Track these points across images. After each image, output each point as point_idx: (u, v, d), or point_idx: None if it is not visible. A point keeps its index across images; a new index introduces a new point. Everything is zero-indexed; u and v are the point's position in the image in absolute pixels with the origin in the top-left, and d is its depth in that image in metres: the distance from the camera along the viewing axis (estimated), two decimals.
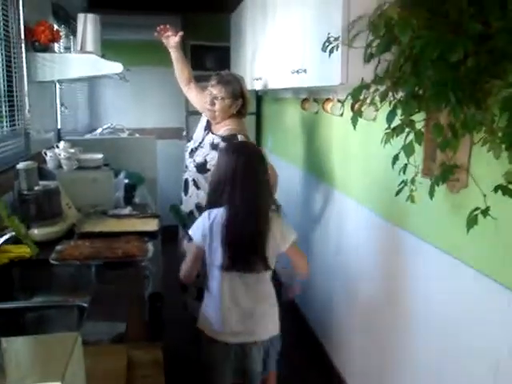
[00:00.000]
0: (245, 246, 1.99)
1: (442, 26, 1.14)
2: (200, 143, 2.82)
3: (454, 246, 1.72)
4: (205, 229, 2.03)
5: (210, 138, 2.78)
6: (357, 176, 2.60)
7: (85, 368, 1.04)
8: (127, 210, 2.75)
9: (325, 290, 3.09)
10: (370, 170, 2.42)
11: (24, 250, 2.11)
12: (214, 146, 2.73)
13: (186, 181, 2.86)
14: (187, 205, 2.84)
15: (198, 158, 2.76)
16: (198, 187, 2.78)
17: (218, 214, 2.01)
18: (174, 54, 3.02)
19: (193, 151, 2.84)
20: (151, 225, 2.52)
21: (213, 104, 2.73)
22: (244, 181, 1.98)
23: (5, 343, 0.95)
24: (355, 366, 2.67)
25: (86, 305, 1.72)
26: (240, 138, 2.69)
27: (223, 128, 2.77)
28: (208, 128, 2.85)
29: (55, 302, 1.77)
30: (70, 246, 2.16)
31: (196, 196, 2.79)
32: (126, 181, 3.27)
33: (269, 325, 2.13)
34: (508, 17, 1.06)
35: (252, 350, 2.10)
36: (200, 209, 2.70)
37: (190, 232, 2.10)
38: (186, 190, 2.87)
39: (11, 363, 0.90)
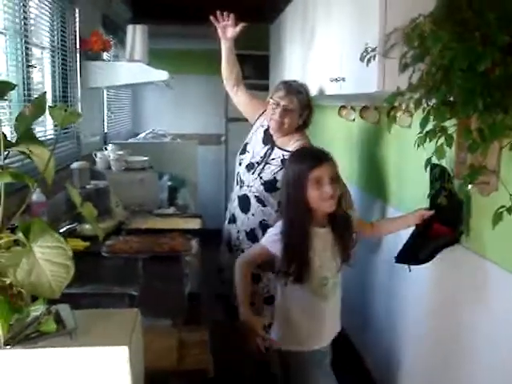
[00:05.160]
0: None
1: (472, 38, 1.25)
2: (263, 158, 2.64)
3: (482, 246, 1.81)
4: None
5: (278, 153, 2.60)
6: (391, 180, 2.69)
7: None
8: (171, 210, 2.91)
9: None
10: (404, 175, 2.50)
11: (78, 244, 2.28)
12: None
13: (245, 197, 2.66)
14: (247, 223, 2.66)
15: (266, 175, 2.58)
16: (263, 204, 2.61)
17: None
18: (227, 46, 2.77)
19: (253, 166, 2.65)
20: (194, 223, 2.67)
21: (283, 116, 2.56)
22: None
23: (77, 314, 1.09)
24: None
25: (135, 293, 1.87)
26: None
27: (293, 142, 2.61)
28: (269, 141, 2.66)
29: (107, 289, 1.92)
30: (120, 241, 2.32)
31: (261, 213, 2.62)
32: (170, 183, 3.44)
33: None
34: None
35: None
36: (265, 226, 2.55)
37: None
38: (245, 208, 2.67)
39: (83, 330, 1.04)
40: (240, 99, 2.86)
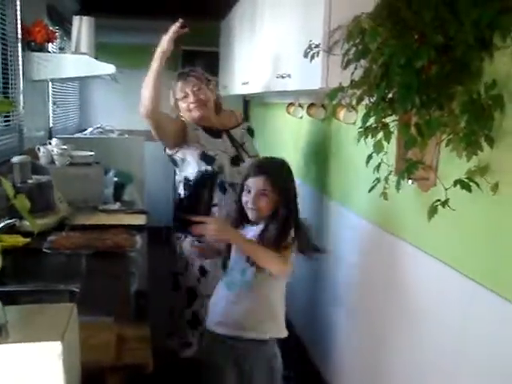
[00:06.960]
0: None
1: (409, 36, 1.28)
2: (233, 143, 2.69)
3: (419, 239, 1.86)
4: None
5: (237, 132, 2.74)
6: (336, 176, 2.74)
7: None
8: (116, 206, 2.86)
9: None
10: (348, 171, 2.55)
11: (17, 240, 2.21)
12: (251, 133, 2.83)
13: None
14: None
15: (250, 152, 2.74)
16: None
17: None
18: (163, 56, 2.40)
19: (237, 159, 2.66)
20: (139, 219, 2.64)
21: (197, 95, 2.62)
22: None
23: (8, 309, 1.05)
24: None
25: (77, 290, 1.83)
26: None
27: (228, 115, 2.82)
28: (213, 131, 2.66)
29: (48, 286, 1.87)
30: (62, 237, 2.26)
31: None
32: (116, 179, 3.37)
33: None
34: (464, 31, 1.20)
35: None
36: None
37: None
38: None
39: (15, 325, 1.01)
40: (165, 122, 2.58)
